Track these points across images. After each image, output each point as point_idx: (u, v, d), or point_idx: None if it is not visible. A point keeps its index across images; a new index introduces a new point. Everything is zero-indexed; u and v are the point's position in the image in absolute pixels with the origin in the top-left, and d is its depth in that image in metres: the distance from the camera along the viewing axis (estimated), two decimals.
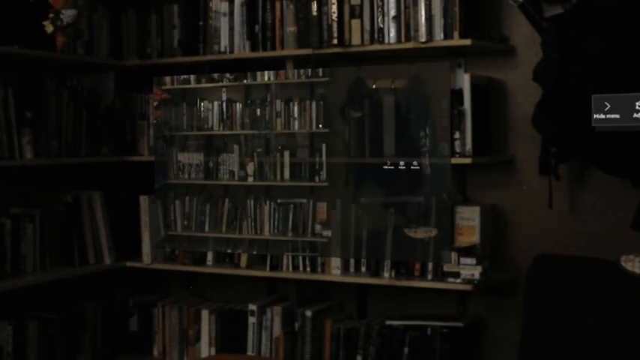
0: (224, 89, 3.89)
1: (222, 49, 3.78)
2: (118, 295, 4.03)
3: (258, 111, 3.78)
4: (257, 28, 3.71)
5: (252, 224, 3.76)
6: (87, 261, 3.85)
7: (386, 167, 3.47)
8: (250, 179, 3.79)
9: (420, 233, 3.39)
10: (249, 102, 3.81)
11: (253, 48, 3.71)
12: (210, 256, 3.84)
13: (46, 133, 3.68)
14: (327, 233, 3.57)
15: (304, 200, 3.66)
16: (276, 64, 3.69)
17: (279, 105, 3.72)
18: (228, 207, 3.83)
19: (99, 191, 3.93)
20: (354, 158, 3.54)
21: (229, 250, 3.82)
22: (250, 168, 3.79)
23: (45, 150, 3.67)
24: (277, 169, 3.73)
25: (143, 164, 3.97)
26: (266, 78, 3.75)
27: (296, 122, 3.69)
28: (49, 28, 3.52)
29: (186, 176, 3.93)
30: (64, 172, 3.95)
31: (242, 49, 3.74)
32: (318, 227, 3.62)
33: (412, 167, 3.42)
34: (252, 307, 3.72)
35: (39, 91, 3.68)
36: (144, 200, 3.93)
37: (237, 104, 3.83)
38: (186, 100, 3.94)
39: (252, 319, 3.72)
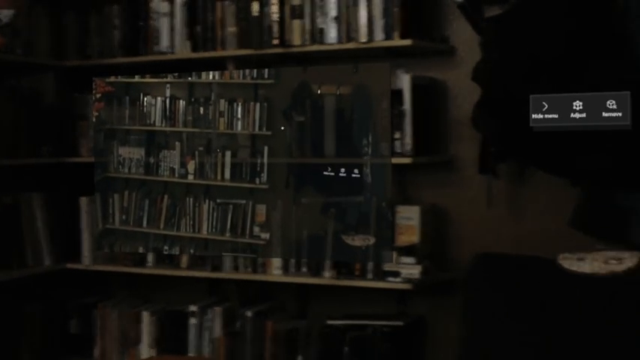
0: (168, 85, 3.87)
1: (163, 49, 3.75)
2: (58, 298, 3.97)
3: (202, 109, 3.76)
4: (198, 28, 3.69)
5: (191, 222, 3.76)
6: (26, 263, 3.79)
7: (326, 173, 3.48)
8: (190, 177, 3.79)
9: (357, 240, 3.41)
10: (192, 100, 3.80)
11: (194, 48, 3.70)
12: (150, 257, 3.81)
13: None
14: (266, 236, 3.57)
15: (244, 201, 3.65)
16: (218, 65, 3.68)
17: (222, 105, 3.71)
18: (167, 204, 3.83)
19: (39, 192, 3.88)
20: (296, 158, 3.54)
21: (166, 248, 3.80)
22: (191, 166, 3.78)
23: None
24: (218, 169, 3.72)
25: (84, 165, 3.92)
26: (210, 77, 3.73)
27: (239, 123, 3.68)
28: None
29: (127, 171, 3.91)
30: (3, 173, 3.87)
31: (183, 50, 3.71)
32: (256, 229, 3.62)
33: (353, 173, 3.44)
34: (193, 308, 3.70)
35: None
36: (84, 201, 3.89)
37: (181, 101, 3.82)
38: (129, 95, 3.91)
39: (193, 320, 3.70)
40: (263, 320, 3.59)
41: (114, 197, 3.92)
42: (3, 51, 3.59)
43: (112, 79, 3.92)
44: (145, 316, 3.80)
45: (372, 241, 3.38)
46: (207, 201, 3.74)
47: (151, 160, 3.87)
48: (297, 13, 3.48)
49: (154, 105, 3.86)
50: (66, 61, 3.96)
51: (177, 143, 3.82)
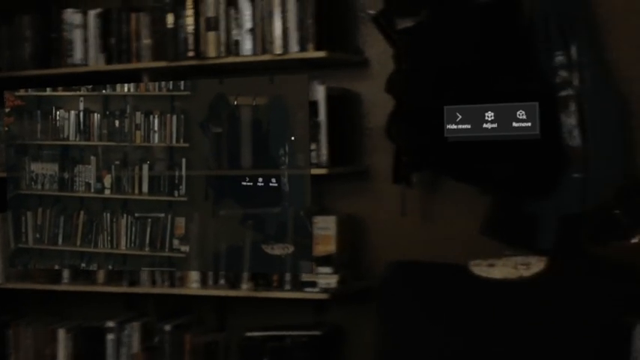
0: (81, 99, 3.79)
1: (77, 61, 3.70)
2: None
3: (117, 122, 3.71)
4: (112, 40, 3.65)
5: (109, 238, 3.70)
6: None
7: (244, 183, 3.49)
8: (107, 192, 3.73)
9: (277, 249, 3.42)
10: (107, 113, 3.74)
11: (108, 60, 3.66)
12: (66, 273, 3.74)
13: None
14: (185, 248, 3.55)
15: (162, 215, 3.62)
16: (133, 77, 3.64)
17: (138, 117, 3.67)
18: (84, 220, 3.76)
19: None
20: (214, 170, 3.53)
21: (83, 265, 3.73)
22: (107, 180, 3.73)
23: None
24: (135, 183, 3.68)
25: None
26: (126, 89, 3.68)
27: (156, 135, 3.65)
28: None
29: (40, 187, 3.82)
30: None
31: (97, 62, 3.67)
32: (176, 242, 3.59)
33: (270, 183, 3.45)
34: (110, 323, 3.64)
35: None
36: None
37: (95, 115, 3.75)
38: (41, 109, 3.83)
39: (110, 336, 3.64)
40: (181, 334, 3.56)
41: (27, 215, 3.82)
42: None
43: (23, 92, 3.84)
44: (61, 334, 3.72)
45: (290, 249, 3.40)
46: (125, 215, 3.69)
47: (66, 175, 3.79)
48: (212, 25, 3.48)
49: (68, 119, 3.79)
50: None
51: (92, 157, 3.76)
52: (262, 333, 3.41)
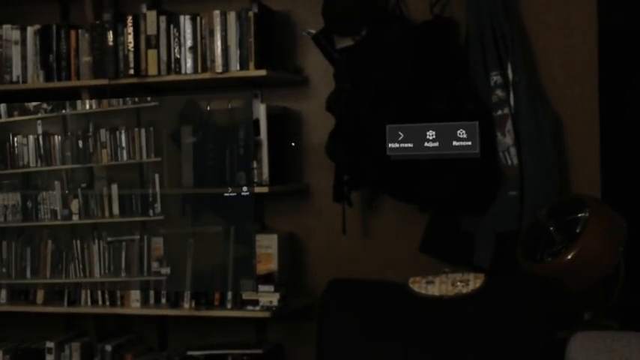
0: (39, 122, 3.69)
1: (15, 78, 3.65)
2: None
3: (80, 143, 3.62)
4: (51, 57, 3.62)
5: (80, 266, 3.58)
6: None
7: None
8: (75, 217, 3.61)
9: None
10: (68, 134, 3.65)
11: (47, 78, 3.62)
12: (4, 293, 3.68)
13: None
14: (166, 270, 3.47)
15: (137, 236, 3.53)
16: (72, 95, 3.61)
17: (103, 134, 3.58)
18: (52, 249, 3.64)
19: None
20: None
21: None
22: (74, 205, 3.61)
23: None
24: (105, 205, 3.58)
25: None
26: (87, 106, 3.60)
27: (124, 152, 3.56)
28: None
29: (2, 219, 3.70)
30: None
31: (36, 79, 3.62)
32: (155, 265, 3.50)
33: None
34: (50, 344, 3.59)
35: None
36: None
37: (56, 137, 3.66)
38: None
39: (49, 357, 3.60)
40: (122, 354, 3.53)
41: None
42: None
43: None
44: None
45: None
46: (96, 241, 3.57)
47: (29, 204, 3.66)
48: (153, 43, 3.47)
49: (26, 144, 3.68)
50: None
51: (56, 182, 3.65)
52: (204, 352, 3.40)
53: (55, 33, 3.62)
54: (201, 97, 3.49)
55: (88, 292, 3.55)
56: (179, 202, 3.52)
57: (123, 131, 3.57)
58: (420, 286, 3.11)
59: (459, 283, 3.06)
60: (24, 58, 3.64)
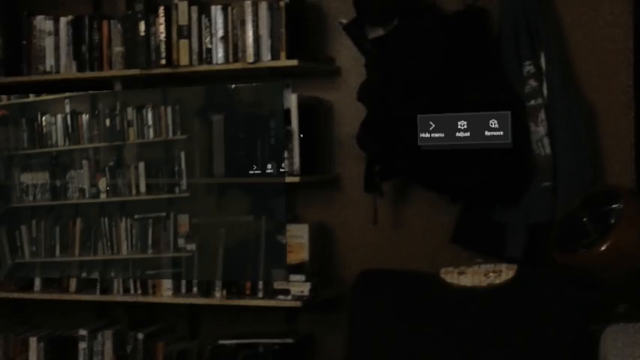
0: (67, 101, 3.71)
1: (48, 69, 3.68)
2: None
3: (108, 121, 3.63)
4: (84, 47, 3.64)
5: (108, 244, 3.61)
6: None
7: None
8: (103, 196, 3.64)
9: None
10: (96, 112, 3.66)
11: (80, 68, 3.64)
12: (38, 281, 3.72)
13: None
14: (192, 247, 3.49)
15: (164, 213, 3.55)
16: (104, 85, 3.64)
17: (130, 113, 3.60)
18: (81, 227, 3.67)
19: None
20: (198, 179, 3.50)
21: (84, 275, 3.64)
22: (102, 184, 3.63)
23: None
24: (132, 183, 3.60)
25: None
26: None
27: (151, 130, 3.57)
28: None
29: (31, 198, 3.73)
30: None
31: (68, 69, 3.65)
32: (181, 241, 3.53)
33: (245, 182, 3.42)
34: (83, 332, 3.63)
35: None
36: None
37: (84, 116, 3.67)
38: (26, 116, 3.75)
39: (82, 345, 3.63)
40: (154, 342, 3.55)
41: (21, 229, 3.74)
42: None
43: (5, 101, 3.76)
44: (32, 343, 3.70)
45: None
46: (123, 219, 3.60)
47: (58, 183, 3.69)
48: (184, 33, 3.48)
49: (54, 124, 3.70)
50: None
51: (84, 161, 3.67)
52: (235, 341, 3.42)
53: (87, 23, 3.64)
54: (232, 87, 3.50)
55: (120, 280, 3.58)
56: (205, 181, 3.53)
57: (149, 109, 3.58)
58: (452, 276, 3.11)
59: (491, 274, 3.06)
60: (57, 48, 3.67)
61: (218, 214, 3.53)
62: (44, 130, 3.73)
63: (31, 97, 3.75)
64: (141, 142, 3.58)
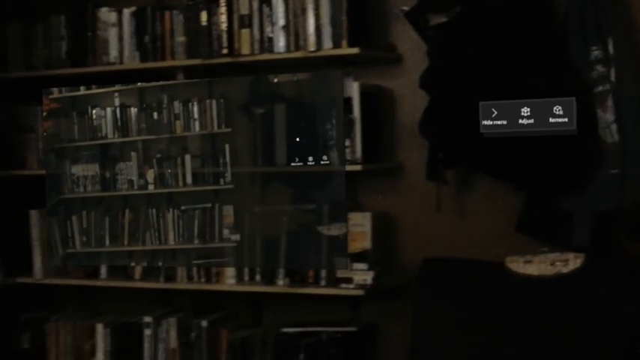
0: (116, 94, 3.78)
1: (112, 59, 3.73)
2: (8, 312, 3.91)
3: (155, 114, 3.69)
4: (146, 38, 3.68)
5: (156, 234, 3.68)
6: None
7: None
8: (151, 187, 3.70)
9: (333, 230, 3.40)
10: (144, 106, 3.73)
11: (143, 58, 3.68)
12: (103, 269, 3.79)
13: None
14: (236, 237, 3.53)
15: (209, 205, 3.60)
16: (167, 75, 3.67)
17: (177, 106, 3.65)
18: (129, 218, 3.74)
19: None
20: (246, 167, 3.54)
21: (133, 264, 3.71)
22: (150, 175, 3.70)
23: None
24: (179, 175, 3.66)
25: (31, 178, 3.87)
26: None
27: (196, 123, 3.62)
28: None
29: (82, 189, 3.81)
30: None
31: (132, 60, 3.70)
32: (226, 232, 3.57)
33: (306, 171, 3.41)
34: (148, 319, 3.68)
35: None
36: (34, 215, 3.84)
37: (132, 109, 3.74)
38: (77, 109, 3.83)
39: (147, 332, 3.68)
40: (217, 330, 3.59)
41: (72, 219, 3.82)
42: None
43: (57, 94, 3.84)
44: (99, 329, 3.77)
45: (344, 229, 3.38)
46: (171, 210, 3.66)
47: (107, 174, 3.77)
48: (246, 22, 3.49)
49: (104, 116, 3.78)
50: (11, 73, 3.91)
51: (133, 153, 3.73)
52: (298, 329, 3.44)
53: (150, 14, 3.67)
54: (292, 75, 3.50)
55: (184, 268, 3.62)
56: (249, 173, 3.58)
57: (195, 103, 3.62)
58: (518, 265, 3.08)
59: (558, 263, 3.02)
60: (120, 39, 3.72)
61: (268, 205, 3.54)
62: (94, 122, 3.80)
63: (82, 91, 3.82)
64: (187, 135, 3.64)
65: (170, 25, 3.65)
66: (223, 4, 3.50)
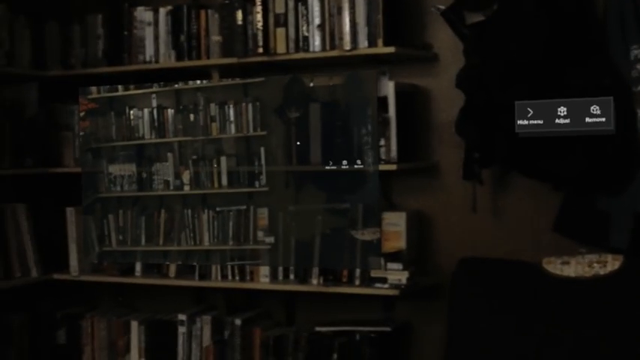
0: (154, 95, 3.81)
1: (148, 58, 3.75)
2: (45, 308, 3.96)
3: (192, 116, 3.72)
4: (182, 37, 3.69)
5: (191, 235, 3.70)
6: (12, 274, 3.78)
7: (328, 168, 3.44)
8: (186, 188, 3.72)
9: (367, 235, 3.40)
10: (181, 107, 3.75)
11: (179, 57, 3.70)
12: (138, 266, 3.81)
13: None
14: (270, 239, 3.54)
15: (244, 207, 3.61)
16: (202, 74, 3.68)
17: (213, 109, 3.67)
18: (165, 218, 3.77)
19: (23, 203, 3.86)
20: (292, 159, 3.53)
21: (168, 262, 3.73)
22: (186, 176, 3.72)
23: None
24: (214, 176, 3.67)
25: (68, 175, 3.91)
26: (198, 82, 3.68)
27: (232, 126, 3.64)
28: None
29: (119, 189, 3.84)
30: None
31: (167, 59, 3.72)
32: (260, 234, 3.58)
33: (341, 171, 3.42)
34: (182, 316, 3.69)
35: None
36: (70, 212, 3.88)
37: (169, 110, 3.77)
38: (114, 109, 3.87)
39: (181, 329, 3.70)
40: (251, 328, 3.59)
41: (108, 218, 3.85)
42: None
43: (95, 94, 3.87)
44: (134, 326, 3.80)
45: (378, 234, 3.38)
46: (206, 211, 3.67)
47: (144, 174, 3.80)
48: (281, 21, 3.49)
49: (141, 117, 3.81)
50: (48, 72, 3.95)
51: (169, 154, 3.76)
52: (331, 328, 3.43)
53: (185, 13, 3.69)
54: (328, 79, 3.49)
55: (218, 267, 3.63)
56: (283, 175, 3.58)
57: (231, 105, 3.63)
58: (555, 266, 3.05)
59: (596, 265, 2.98)
60: (156, 38, 3.74)
61: (303, 205, 3.54)
62: (132, 123, 3.83)
63: (120, 91, 3.85)
64: (222, 137, 3.65)
65: (205, 24, 3.66)
66: (259, 3, 3.51)
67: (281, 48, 3.49)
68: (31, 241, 3.84)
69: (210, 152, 3.69)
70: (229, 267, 3.61)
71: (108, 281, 3.88)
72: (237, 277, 3.61)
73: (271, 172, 3.58)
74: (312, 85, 3.51)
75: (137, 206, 3.84)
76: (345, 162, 3.39)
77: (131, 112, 3.84)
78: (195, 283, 3.69)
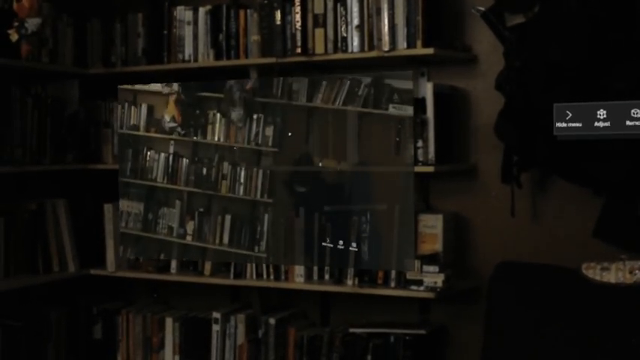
0: (172, 142, 3.84)
1: (187, 57, 3.77)
2: (82, 303, 4.00)
3: (205, 170, 3.76)
4: (221, 36, 3.71)
5: None
6: (51, 269, 3.83)
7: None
8: (189, 238, 3.78)
9: (403, 236, 3.38)
10: (196, 159, 3.80)
11: (217, 56, 3.71)
12: (174, 264, 3.84)
13: (11, 141, 3.66)
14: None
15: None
16: (240, 73, 3.69)
17: (225, 167, 3.71)
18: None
19: (63, 199, 3.91)
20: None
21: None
22: (190, 226, 3.78)
23: (9, 158, 3.65)
24: (217, 231, 3.73)
25: (107, 172, 3.95)
26: (216, 138, 3.71)
27: (241, 188, 3.68)
28: (14, 37, 3.54)
29: (124, 224, 3.89)
30: (29, 180, 3.91)
31: (206, 58, 3.73)
32: None
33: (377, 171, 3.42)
34: (216, 314, 3.71)
35: (3, 100, 3.66)
36: (108, 208, 3.91)
37: (184, 159, 3.81)
38: (132, 147, 3.90)
39: (216, 327, 3.71)
40: (285, 327, 3.60)
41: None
42: (29, 59, 3.63)
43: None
44: (169, 322, 3.82)
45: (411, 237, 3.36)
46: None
47: (150, 216, 3.86)
48: (320, 21, 3.49)
49: (157, 160, 3.86)
50: (90, 69, 4.00)
51: (177, 201, 3.81)
52: (366, 330, 3.42)
53: (225, 13, 3.70)
54: (366, 75, 3.48)
55: (254, 265, 3.64)
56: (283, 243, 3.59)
57: (243, 168, 3.66)
58: (595, 272, 3.00)
59: (637, 271, 2.93)
60: (195, 37, 3.76)
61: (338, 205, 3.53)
62: (147, 164, 3.87)
63: (141, 132, 3.89)
64: (230, 197, 3.69)
65: (245, 24, 3.67)
66: (298, 4, 3.51)
67: (319, 48, 3.48)
68: (69, 236, 3.88)
69: (217, 208, 3.73)
70: (264, 266, 3.62)
71: (144, 278, 3.91)
72: (271, 277, 3.62)
73: (272, 237, 3.60)
74: (320, 164, 3.53)
75: (138, 246, 3.89)
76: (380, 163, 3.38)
77: (148, 153, 3.88)
78: (230, 281, 3.69)
